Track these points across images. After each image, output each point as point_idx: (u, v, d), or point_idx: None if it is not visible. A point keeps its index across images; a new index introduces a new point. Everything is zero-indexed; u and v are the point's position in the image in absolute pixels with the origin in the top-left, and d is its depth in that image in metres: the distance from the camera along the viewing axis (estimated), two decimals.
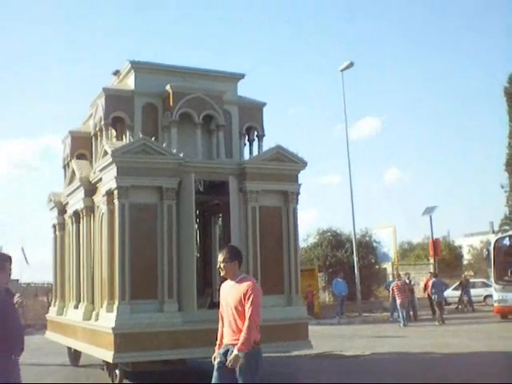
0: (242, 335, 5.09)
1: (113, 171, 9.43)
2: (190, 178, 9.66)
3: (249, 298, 5.12)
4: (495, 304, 21.12)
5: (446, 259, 39.33)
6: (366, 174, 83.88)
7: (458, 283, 28.52)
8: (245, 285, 5.21)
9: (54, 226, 13.43)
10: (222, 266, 5.32)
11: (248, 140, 11.55)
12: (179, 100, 10.33)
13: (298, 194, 10.51)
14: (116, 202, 9.38)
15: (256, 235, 10.00)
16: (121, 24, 79.16)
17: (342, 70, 24.31)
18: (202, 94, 10.49)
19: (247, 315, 5.10)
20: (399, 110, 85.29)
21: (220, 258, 5.33)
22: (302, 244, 30.76)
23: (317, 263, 27.51)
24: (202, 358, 9.92)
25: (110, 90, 10.62)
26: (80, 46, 75.24)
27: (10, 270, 5.51)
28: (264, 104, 11.49)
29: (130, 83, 10.84)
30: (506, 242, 21.36)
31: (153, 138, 9.80)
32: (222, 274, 5.37)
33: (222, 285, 5.46)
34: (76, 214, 11.56)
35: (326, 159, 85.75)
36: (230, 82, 11.23)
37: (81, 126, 13.05)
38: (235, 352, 5.12)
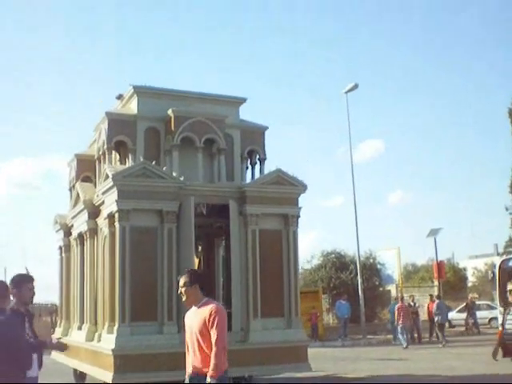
0: (212, 362, 4.84)
1: (114, 194, 9.60)
2: (190, 202, 9.80)
3: (213, 322, 4.87)
4: (500, 328, 20.51)
5: (451, 281, 38.93)
6: (369, 196, 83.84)
7: (463, 305, 28.02)
8: (208, 308, 4.95)
9: (60, 248, 13.59)
10: (182, 290, 5.05)
11: (250, 163, 11.68)
12: (181, 124, 10.50)
13: (298, 216, 10.61)
14: (117, 224, 9.53)
15: (256, 258, 10.11)
16: (123, 44, 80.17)
17: (346, 92, 24.42)
18: (203, 118, 10.65)
19: (213, 340, 4.86)
20: (402, 131, 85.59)
21: (180, 282, 5.07)
22: (305, 265, 30.46)
23: (321, 285, 27.27)
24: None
25: (112, 114, 10.83)
26: (83, 64, 76.17)
27: (31, 289, 5.57)
28: (266, 128, 11.65)
29: (132, 107, 11.04)
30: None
31: (154, 162, 9.99)
32: (183, 300, 5.14)
33: (187, 313, 5.24)
34: (80, 236, 11.71)
35: (330, 181, 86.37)
36: (232, 105, 11.38)
37: (86, 149, 13.24)
38: (208, 380, 4.83)
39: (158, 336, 9.38)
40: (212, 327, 4.88)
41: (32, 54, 73.46)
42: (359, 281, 24.47)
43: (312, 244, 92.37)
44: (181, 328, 9.56)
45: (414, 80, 79.80)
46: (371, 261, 29.16)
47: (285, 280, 10.34)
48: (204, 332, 4.92)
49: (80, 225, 11.67)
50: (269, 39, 78.76)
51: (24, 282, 5.46)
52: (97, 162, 11.59)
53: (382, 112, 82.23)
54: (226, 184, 10.54)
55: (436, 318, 21.88)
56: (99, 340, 10.15)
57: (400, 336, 20.97)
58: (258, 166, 11.64)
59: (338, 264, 28.47)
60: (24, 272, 5.76)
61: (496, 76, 77.76)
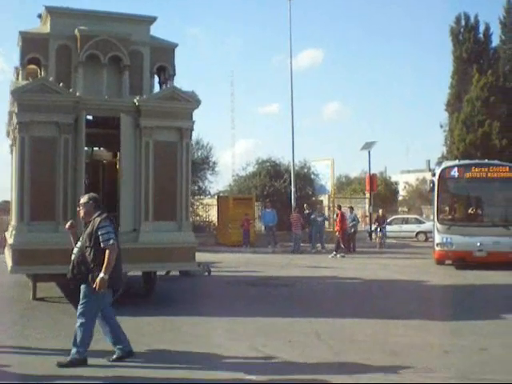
0: None
1: (15, 108, 10.61)
2: (83, 115, 10.74)
3: None
4: (436, 248, 17.10)
5: (382, 194, 39.39)
6: (305, 106, 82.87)
7: (375, 218, 26.75)
8: None
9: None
10: None
11: (162, 79, 12.41)
12: (86, 42, 11.26)
13: (191, 130, 11.43)
14: (17, 135, 10.59)
15: (149, 167, 11.01)
16: None
17: None
18: (108, 37, 11.35)
19: None
20: (342, 42, 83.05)
21: None
22: (240, 173, 31.41)
23: (254, 192, 27.58)
24: None
25: (25, 33, 11.57)
26: None
27: None
28: (176, 45, 12.25)
29: (48, 26, 11.80)
30: (455, 173, 17.24)
31: (51, 78, 10.89)
32: None
33: None
34: (11, 144, 12.88)
35: (266, 89, 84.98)
36: (142, 24, 11.95)
37: None
38: None
39: (54, 234, 10.50)
40: None
41: None
42: (292, 190, 25.03)
43: (248, 152, 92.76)
44: None
45: None
46: (305, 171, 29.39)
47: (178, 188, 11.22)
48: None
49: (11, 133, 12.82)
50: None
51: None
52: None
53: (323, 21, 79.65)
54: (120, 99, 11.34)
55: (352, 230, 22.60)
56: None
57: (293, 243, 22.45)
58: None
59: (272, 172, 28.82)
60: None
61: None
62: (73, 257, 6.71)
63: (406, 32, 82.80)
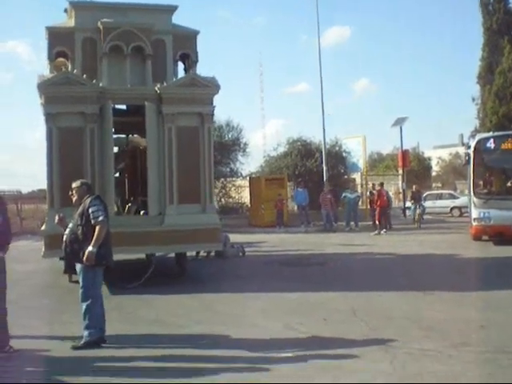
0: None
1: (42, 100, 10.54)
2: (109, 104, 10.61)
3: None
4: (473, 223, 15.94)
5: (415, 170, 38.00)
6: (335, 84, 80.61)
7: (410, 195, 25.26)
8: None
9: None
10: None
11: (189, 66, 12.18)
12: (109, 34, 11.16)
13: (212, 115, 11.29)
14: (45, 126, 10.53)
15: (172, 152, 10.88)
16: None
17: None
18: (130, 28, 11.24)
19: None
20: (368, 18, 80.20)
21: None
22: (271, 153, 30.55)
23: (286, 172, 26.78)
24: None
25: (51, 28, 11.54)
26: None
27: None
28: (197, 32, 12.10)
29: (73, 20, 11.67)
30: (491, 144, 15.84)
31: (75, 70, 10.95)
32: None
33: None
34: None
35: (294, 68, 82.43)
36: (164, 13, 11.82)
37: None
38: None
39: None
40: None
41: None
42: (324, 168, 24.24)
43: (279, 131, 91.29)
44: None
45: None
46: (337, 149, 28.32)
47: (201, 171, 11.07)
48: None
49: None
50: None
51: None
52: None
53: None
54: (142, 87, 11.20)
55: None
56: None
57: (325, 222, 22.24)
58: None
59: (303, 152, 27.86)
60: None
61: None
62: (65, 237, 6.74)
63: (433, 4, 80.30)
